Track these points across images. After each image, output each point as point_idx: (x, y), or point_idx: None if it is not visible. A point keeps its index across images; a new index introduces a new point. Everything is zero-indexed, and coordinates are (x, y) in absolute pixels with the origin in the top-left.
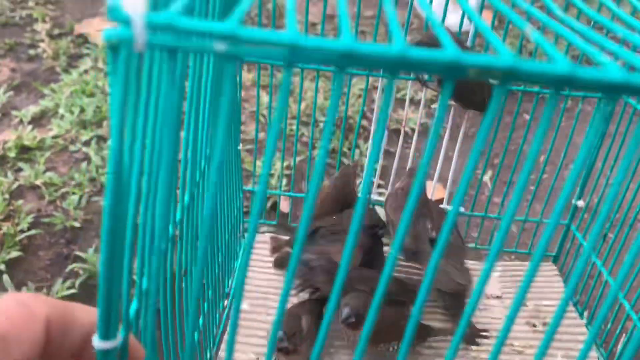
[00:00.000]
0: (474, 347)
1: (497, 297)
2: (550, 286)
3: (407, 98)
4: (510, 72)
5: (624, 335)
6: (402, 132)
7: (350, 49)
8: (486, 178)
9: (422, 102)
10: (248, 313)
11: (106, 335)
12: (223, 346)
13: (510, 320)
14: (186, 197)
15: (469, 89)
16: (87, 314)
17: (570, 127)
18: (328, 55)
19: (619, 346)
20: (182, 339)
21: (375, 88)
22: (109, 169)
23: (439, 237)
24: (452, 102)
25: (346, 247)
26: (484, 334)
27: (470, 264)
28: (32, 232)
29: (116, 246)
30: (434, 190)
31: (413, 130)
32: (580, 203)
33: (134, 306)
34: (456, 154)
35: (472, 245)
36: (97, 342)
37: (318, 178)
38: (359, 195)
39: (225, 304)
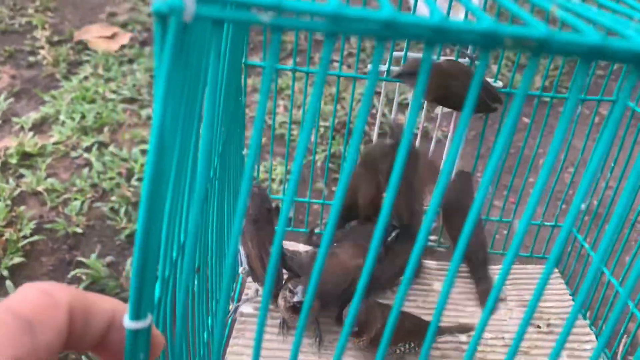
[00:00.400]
0: (479, 348)
1: (501, 300)
2: (552, 288)
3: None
4: (545, 42)
5: (625, 337)
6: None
7: (392, 18)
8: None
9: (425, 106)
10: (253, 317)
11: (137, 315)
12: (229, 349)
13: (524, 326)
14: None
15: (450, 87)
16: (108, 302)
17: (570, 130)
18: (369, 25)
19: (622, 347)
20: (193, 337)
21: (378, 94)
22: (150, 145)
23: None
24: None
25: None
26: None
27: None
28: (35, 238)
29: (153, 223)
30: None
31: (415, 134)
32: (582, 206)
33: (156, 293)
34: (458, 158)
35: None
36: (128, 323)
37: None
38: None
39: (230, 308)
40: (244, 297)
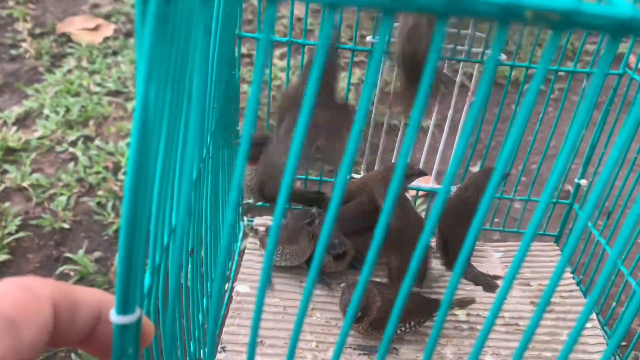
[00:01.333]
0: (479, 327)
1: (500, 277)
2: (553, 266)
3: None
4: (569, 14)
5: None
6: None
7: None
8: (474, 169)
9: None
10: (249, 296)
11: (125, 309)
12: (225, 329)
13: (505, 290)
14: (194, 172)
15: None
16: (94, 294)
17: (555, 116)
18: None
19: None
20: (187, 319)
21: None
22: (134, 124)
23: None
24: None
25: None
26: (497, 281)
27: (477, 244)
28: (20, 234)
29: (138, 215)
30: (432, 182)
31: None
32: (583, 182)
33: (146, 281)
34: (442, 144)
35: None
36: (115, 317)
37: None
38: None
39: (225, 287)
40: (240, 276)
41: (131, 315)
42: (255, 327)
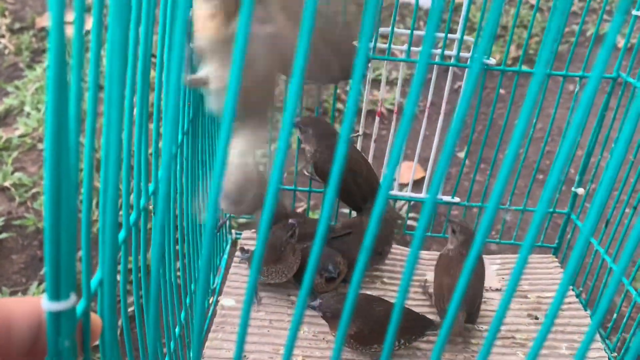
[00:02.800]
0: (473, 341)
1: (497, 290)
2: (551, 278)
3: (383, 79)
4: None
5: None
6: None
7: None
8: (460, 155)
9: (400, 81)
10: (235, 310)
11: (56, 295)
12: (208, 344)
13: (505, 304)
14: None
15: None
16: (31, 303)
17: (552, 107)
18: None
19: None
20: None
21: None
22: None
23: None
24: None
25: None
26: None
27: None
28: (4, 235)
29: (62, 190)
30: (414, 171)
31: (390, 111)
32: (580, 191)
33: (97, 276)
34: (438, 135)
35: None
36: (46, 304)
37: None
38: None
39: (210, 301)
40: (225, 289)
41: (65, 302)
42: (241, 343)
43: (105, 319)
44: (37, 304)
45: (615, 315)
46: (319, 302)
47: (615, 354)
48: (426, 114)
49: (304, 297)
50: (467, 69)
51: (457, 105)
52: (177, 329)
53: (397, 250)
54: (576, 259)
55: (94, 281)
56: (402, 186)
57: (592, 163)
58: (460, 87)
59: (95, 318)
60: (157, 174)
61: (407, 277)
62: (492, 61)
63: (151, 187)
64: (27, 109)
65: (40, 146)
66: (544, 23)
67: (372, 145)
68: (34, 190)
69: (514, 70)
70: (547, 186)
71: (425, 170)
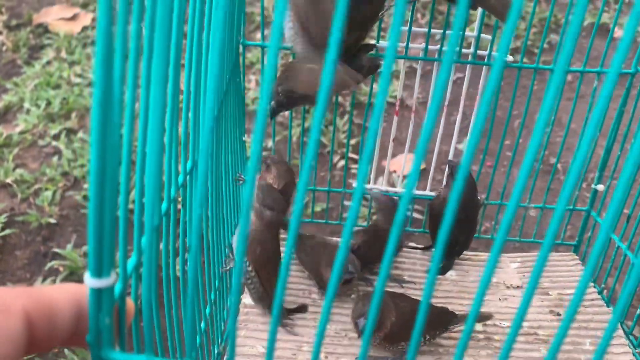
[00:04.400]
0: (496, 337)
1: (518, 287)
2: (572, 275)
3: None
4: None
5: None
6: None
7: None
8: (461, 146)
9: (402, 76)
10: (254, 307)
11: (99, 271)
12: None
13: (526, 302)
14: (189, 163)
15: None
16: (69, 290)
17: (542, 89)
18: None
19: None
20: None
21: None
22: (94, 100)
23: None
24: None
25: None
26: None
27: (486, 255)
28: (7, 231)
29: (107, 169)
30: (405, 160)
31: (391, 104)
32: (600, 187)
33: (132, 261)
34: (442, 127)
35: (488, 236)
36: (88, 280)
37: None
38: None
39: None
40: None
41: (106, 279)
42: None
43: (144, 296)
44: (75, 289)
45: (638, 310)
46: (361, 320)
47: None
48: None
49: (331, 298)
50: (485, 67)
51: (479, 104)
52: (202, 323)
53: (416, 250)
54: (597, 254)
55: (130, 263)
56: (405, 178)
57: (612, 159)
58: (458, 78)
59: (128, 301)
60: (191, 155)
61: (433, 275)
62: (510, 58)
63: (185, 168)
64: (26, 105)
65: (40, 142)
66: (541, 14)
67: (391, 144)
68: (36, 186)
69: (532, 67)
70: (566, 183)
71: (429, 162)
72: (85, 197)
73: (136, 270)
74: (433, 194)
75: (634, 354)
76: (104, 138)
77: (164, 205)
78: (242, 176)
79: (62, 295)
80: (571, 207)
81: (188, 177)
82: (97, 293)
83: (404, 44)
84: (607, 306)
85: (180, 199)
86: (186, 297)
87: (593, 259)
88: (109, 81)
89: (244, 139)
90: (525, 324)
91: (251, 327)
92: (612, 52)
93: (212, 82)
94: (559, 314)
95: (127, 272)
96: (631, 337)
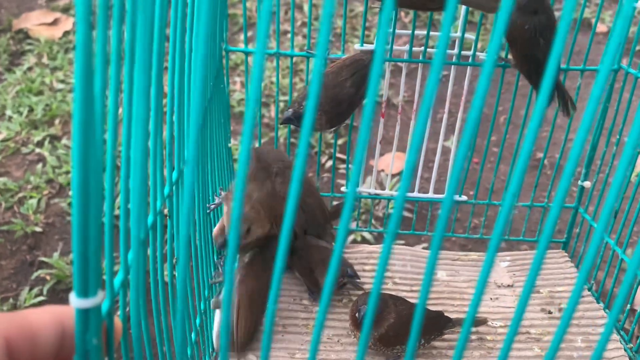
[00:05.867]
0: (488, 337)
1: (509, 286)
2: (562, 272)
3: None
4: None
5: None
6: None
7: None
8: (448, 143)
9: (387, 75)
10: None
11: (85, 291)
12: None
13: (522, 305)
14: (174, 173)
15: None
16: (51, 312)
17: (528, 86)
18: None
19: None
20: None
21: None
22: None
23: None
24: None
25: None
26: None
27: (476, 255)
28: None
29: (90, 188)
30: (393, 159)
31: (378, 103)
32: (587, 184)
33: (119, 277)
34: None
35: (477, 236)
36: (74, 300)
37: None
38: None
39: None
40: None
41: (93, 299)
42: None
43: (133, 314)
44: (58, 312)
45: (629, 306)
46: (363, 307)
47: (631, 345)
48: (417, 102)
49: (326, 302)
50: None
51: (472, 105)
52: (192, 334)
53: (407, 251)
54: (591, 259)
55: (117, 280)
56: (393, 176)
57: (597, 155)
58: (443, 76)
59: (116, 320)
60: (176, 165)
61: (428, 277)
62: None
63: (170, 179)
64: (8, 112)
65: (24, 150)
66: None
67: (378, 146)
68: (20, 195)
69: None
70: (561, 184)
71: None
72: (70, 205)
73: (123, 287)
74: (423, 195)
75: (625, 349)
76: (86, 145)
77: (150, 218)
78: (212, 204)
79: (44, 318)
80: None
81: (174, 187)
82: (84, 313)
83: (389, 45)
84: (598, 302)
85: (166, 210)
86: (176, 309)
87: (587, 264)
88: (90, 86)
89: (229, 145)
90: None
91: None
92: (596, 47)
93: (197, 92)
94: (550, 312)
95: (114, 290)
96: (622, 332)
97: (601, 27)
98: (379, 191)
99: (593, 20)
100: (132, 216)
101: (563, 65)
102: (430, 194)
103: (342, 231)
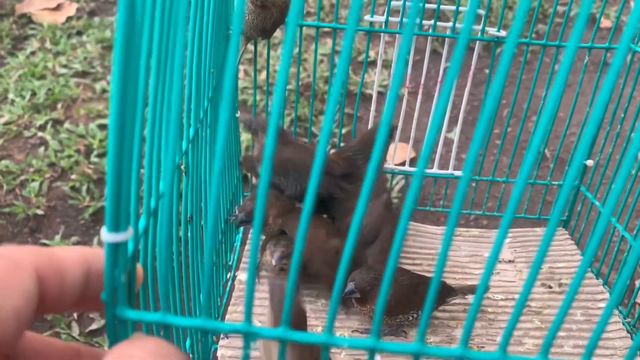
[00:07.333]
0: (490, 309)
1: (510, 262)
2: (563, 249)
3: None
4: None
5: None
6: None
7: None
8: (451, 135)
9: (379, 63)
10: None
11: (116, 225)
12: (228, 317)
13: (529, 286)
14: (191, 130)
15: None
16: (77, 251)
17: (532, 79)
18: None
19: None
20: (188, 289)
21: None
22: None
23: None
24: None
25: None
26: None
27: (477, 231)
28: None
29: (126, 129)
30: (396, 150)
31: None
32: (589, 162)
33: (142, 222)
34: (417, 111)
35: (479, 212)
36: (106, 235)
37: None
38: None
39: (228, 276)
40: (242, 265)
41: (123, 233)
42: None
43: (162, 244)
44: (84, 251)
45: (627, 282)
46: (353, 284)
47: (629, 320)
48: (421, 95)
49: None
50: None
51: (480, 116)
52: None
53: (410, 226)
54: (597, 241)
55: (140, 225)
56: (397, 166)
57: (601, 135)
58: (447, 67)
59: (137, 266)
60: (193, 121)
61: (444, 253)
62: (502, 33)
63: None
64: (11, 96)
65: (26, 133)
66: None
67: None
68: (22, 178)
69: (524, 42)
70: (574, 164)
71: (416, 151)
72: (73, 188)
73: (146, 233)
74: (437, 171)
75: (623, 323)
76: (125, 91)
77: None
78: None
79: (70, 255)
80: (561, 183)
81: (196, 136)
82: (114, 248)
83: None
84: (597, 278)
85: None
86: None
87: (592, 248)
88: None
89: (237, 115)
90: (516, 296)
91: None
92: (599, 42)
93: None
94: (550, 287)
95: (138, 233)
96: (620, 307)
97: (605, 23)
98: (392, 166)
99: (597, 16)
100: (169, 146)
101: (542, 42)
102: (435, 170)
103: (350, 240)
